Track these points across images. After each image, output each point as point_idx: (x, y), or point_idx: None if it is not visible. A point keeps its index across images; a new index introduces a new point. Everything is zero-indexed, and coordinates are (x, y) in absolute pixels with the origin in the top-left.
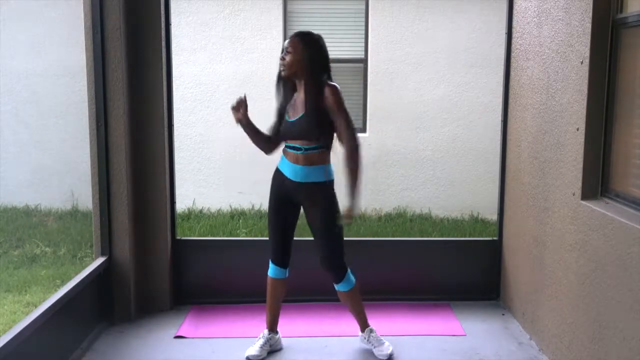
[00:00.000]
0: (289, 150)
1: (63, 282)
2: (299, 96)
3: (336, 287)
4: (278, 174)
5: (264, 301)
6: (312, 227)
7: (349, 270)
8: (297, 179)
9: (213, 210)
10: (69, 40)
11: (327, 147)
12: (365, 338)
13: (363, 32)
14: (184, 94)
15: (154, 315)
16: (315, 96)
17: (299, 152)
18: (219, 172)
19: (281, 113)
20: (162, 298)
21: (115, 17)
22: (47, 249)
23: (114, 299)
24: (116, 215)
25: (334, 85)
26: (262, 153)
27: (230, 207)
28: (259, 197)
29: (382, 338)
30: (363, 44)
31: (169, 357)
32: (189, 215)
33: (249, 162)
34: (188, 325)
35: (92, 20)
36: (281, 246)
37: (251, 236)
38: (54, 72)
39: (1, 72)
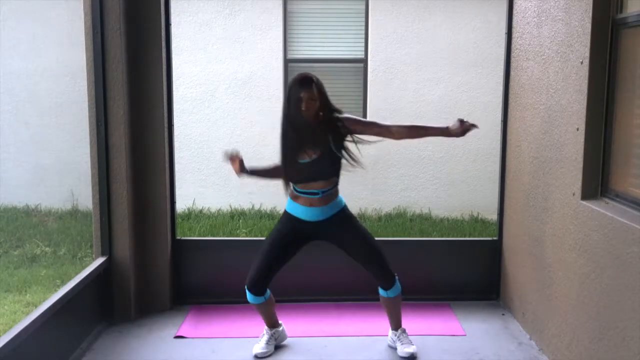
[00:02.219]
0: (302, 195)
1: (63, 282)
2: (310, 137)
3: (383, 293)
4: (290, 216)
5: None
6: (353, 252)
7: (396, 277)
8: (317, 219)
9: (213, 210)
10: (69, 40)
11: (338, 183)
12: (395, 336)
13: (363, 32)
14: (184, 94)
15: (154, 315)
16: (336, 134)
17: (315, 196)
18: (219, 172)
19: (291, 155)
20: (162, 298)
21: (115, 17)
22: (47, 249)
23: (114, 299)
24: (116, 215)
25: (344, 114)
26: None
27: (230, 207)
28: (260, 197)
29: (411, 339)
30: (363, 44)
31: (169, 357)
32: (189, 215)
33: (249, 162)
34: (188, 325)
35: (92, 20)
36: (266, 278)
37: (251, 236)
38: (54, 72)
39: (1, 72)
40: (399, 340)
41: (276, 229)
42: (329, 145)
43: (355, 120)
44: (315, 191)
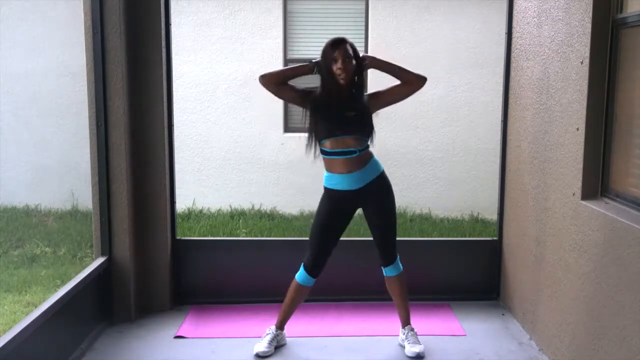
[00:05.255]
0: (337, 157)
1: (63, 282)
2: (343, 94)
3: (384, 272)
4: (330, 192)
5: (264, 301)
6: (376, 221)
7: (398, 257)
8: (356, 187)
9: (213, 210)
10: (69, 40)
11: (370, 145)
12: (403, 333)
13: (363, 32)
14: (184, 94)
15: (154, 315)
16: (366, 94)
17: (352, 155)
18: (219, 172)
19: (321, 108)
20: (162, 298)
21: (115, 17)
22: (47, 249)
23: (114, 299)
24: (116, 215)
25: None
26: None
27: (230, 207)
28: (260, 197)
29: (419, 338)
30: (363, 44)
31: (169, 357)
32: (189, 215)
33: (249, 162)
34: (188, 325)
35: (92, 20)
36: (325, 257)
37: (251, 236)
38: (54, 72)
39: (1, 72)
40: (407, 339)
41: (320, 208)
42: (364, 108)
43: (375, 93)
44: (351, 150)
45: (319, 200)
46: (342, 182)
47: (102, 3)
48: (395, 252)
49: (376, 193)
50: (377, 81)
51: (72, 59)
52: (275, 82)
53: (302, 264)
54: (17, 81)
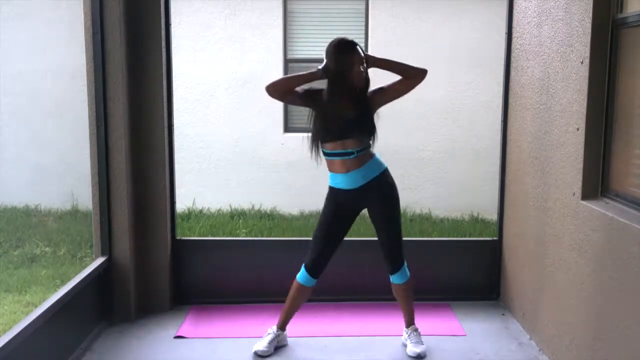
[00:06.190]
0: (336, 158)
1: (63, 282)
2: (350, 96)
3: (391, 279)
4: (333, 190)
5: (264, 301)
6: (378, 219)
7: (405, 262)
8: (357, 185)
9: (213, 210)
10: (69, 40)
11: (371, 145)
12: (407, 333)
13: (363, 32)
14: (184, 94)
15: (154, 315)
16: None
17: (350, 157)
18: (219, 172)
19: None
20: (162, 298)
21: (115, 17)
22: (47, 249)
23: (114, 299)
24: (116, 215)
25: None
26: (279, 86)
27: (230, 207)
28: (260, 197)
29: (422, 339)
30: (363, 44)
31: (169, 357)
32: (189, 215)
33: (249, 162)
34: (188, 325)
35: (92, 20)
36: (326, 258)
37: (251, 236)
38: (54, 72)
39: (1, 72)
40: (410, 339)
41: (324, 208)
42: (367, 108)
43: (379, 89)
44: (349, 151)
45: (319, 200)
46: (342, 181)
47: (102, 3)
48: (402, 257)
49: (377, 189)
50: (377, 76)
51: (72, 59)
52: (282, 92)
53: (304, 264)
54: (17, 81)
